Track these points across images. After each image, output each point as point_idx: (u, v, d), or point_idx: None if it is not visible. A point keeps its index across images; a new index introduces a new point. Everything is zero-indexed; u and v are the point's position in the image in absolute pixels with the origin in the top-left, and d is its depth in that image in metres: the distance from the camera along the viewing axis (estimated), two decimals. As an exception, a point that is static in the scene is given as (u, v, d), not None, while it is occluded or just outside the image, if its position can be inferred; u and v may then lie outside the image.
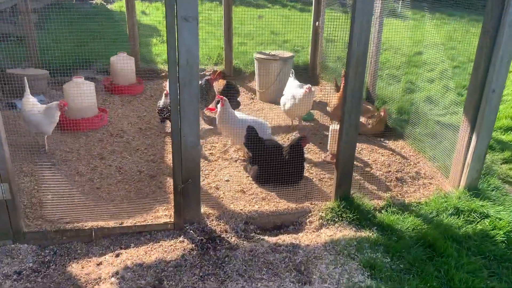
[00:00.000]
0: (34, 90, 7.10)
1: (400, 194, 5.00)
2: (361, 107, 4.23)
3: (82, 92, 5.83)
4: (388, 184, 5.16)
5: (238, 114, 5.49)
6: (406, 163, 5.62)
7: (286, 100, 6.38)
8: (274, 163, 4.83)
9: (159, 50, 9.60)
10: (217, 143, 5.92)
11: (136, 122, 6.46)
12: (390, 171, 5.40)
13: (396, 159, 5.71)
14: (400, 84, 8.34)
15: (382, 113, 6.31)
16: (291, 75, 6.77)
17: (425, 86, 8.48)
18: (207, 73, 8.75)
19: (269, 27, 11.54)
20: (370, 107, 6.89)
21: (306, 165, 5.39)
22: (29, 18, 7.66)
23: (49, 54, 7.68)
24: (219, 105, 5.37)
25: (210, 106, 7.06)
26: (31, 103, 5.30)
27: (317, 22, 8.50)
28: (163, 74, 8.56)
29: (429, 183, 5.27)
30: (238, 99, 7.12)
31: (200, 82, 6.71)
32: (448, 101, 7.91)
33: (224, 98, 5.35)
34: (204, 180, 4.99)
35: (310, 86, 5.97)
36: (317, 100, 7.81)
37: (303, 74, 8.83)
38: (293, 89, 6.32)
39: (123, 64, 7.31)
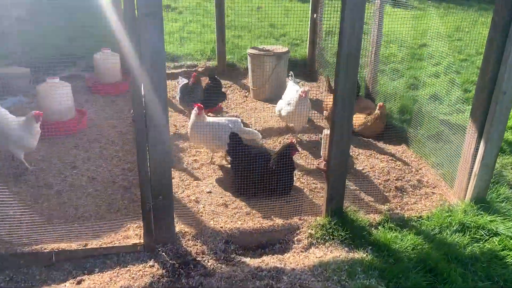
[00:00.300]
0: (13, 90, 6.72)
1: (399, 206, 4.53)
2: (353, 112, 3.76)
3: (57, 93, 5.39)
4: (386, 194, 4.69)
5: (209, 118, 5.05)
6: (407, 170, 5.14)
7: (282, 105, 5.84)
8: (260, 173, 4.38)
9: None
10: (202, 148, 5.47)
11: (117, 124, 6.03)
12: (389, 179, 4.93)
13: (396, 165, 5.23)
14: (403, 80, 7.83)
15: (378, 111, 5.79)
16: (290, 78, 6.19)
17: (430, 82, 7.98)
18: (199, 69, 8.31)
19: (267, 19, 11.01)
20: (370, 104, 6.40)
21: (297, 173, 4.93)
22: (9, 10, 7.24)
23: (33, 50, 7.26)
24: (193, 113, 4.88)
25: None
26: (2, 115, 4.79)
27: (315, 14, 7.97)
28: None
29: (432, 192, 4.80)
30: (222, 90, 6.73)
31: (187, 81, 6.32)
32: (454, 98, 7.40)
33: (201, 106, 4.87)
34: (183, 191, 4.56)
35: (306, 90, 5.45)
36: (314, 98, 7.32)
37: (301, 70, 8.33)
38: (291, 94, 5.78)
39: (107, 62, 6.86)
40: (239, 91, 7.69)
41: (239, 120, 5.15)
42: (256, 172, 4.37)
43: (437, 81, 7.41)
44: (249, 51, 7.31)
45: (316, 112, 6.68)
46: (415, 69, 8.42)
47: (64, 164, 4.91)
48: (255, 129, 5.69)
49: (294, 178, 4.71)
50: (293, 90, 5.87)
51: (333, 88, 6.46)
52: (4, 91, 6.53)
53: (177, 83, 6.65)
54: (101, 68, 7.07)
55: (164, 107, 3.37)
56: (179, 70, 8.18)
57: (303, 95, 5.38)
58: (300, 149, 5.33)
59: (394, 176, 4.98)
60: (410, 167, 5.22)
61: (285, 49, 7.31)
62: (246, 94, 7.57)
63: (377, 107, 5.79)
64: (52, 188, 4.47)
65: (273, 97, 7.28)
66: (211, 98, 6.19)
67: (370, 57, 6.73)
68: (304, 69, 8.41)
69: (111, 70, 6.99)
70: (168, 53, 8.69)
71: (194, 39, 9.80)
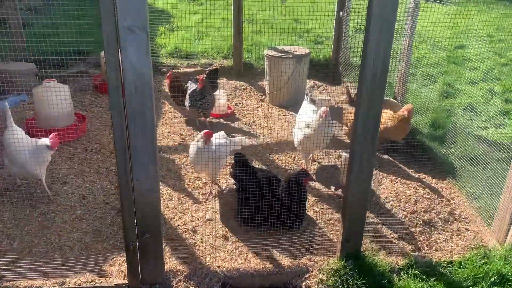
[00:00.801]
0: (17, 88, 6.35)
1: (427, 245, 3.94)
2: (375, 148, 3.16)
3: (54, 98, 4.96)
4: (412, 229, 4.10)
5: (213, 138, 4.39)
6: (437, 199, 4.52)
7: (297, 130, 4.81)
8: (268, 201, 3.84)
9: (164, 40, 8.64)
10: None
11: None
12: (416, 210, 4.32)
13: (425, 193, 4.61)
14: (436, 86, 7.10)
15: (405, 113, 5.03)
16: (306, 97, 5.22)
17: (465, 90, 7.23)
18: (215, 66, 7.78)
19: (292, 13, 10.35)
20: (396, 103, 5.75)
21: (310, 199, 4.38)
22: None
23: (40, 45, 6.86)
24: (200, 138, 4.23)
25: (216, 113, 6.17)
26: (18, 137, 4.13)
27: (341, 13, 7.31)
28: (165, 69, 7.62)
29: (465, 228, 4.17)
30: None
31: (193, 87, 5.79)
32: (493, 110, 6.65)
33: (211, 133, 4.24)
34: (180, 217, 4.07)
35: (327, 109, 4.52)
36: (335, 105, 6.71)
37: (324, 72, 7.70)
38: (308, 115, 4.82)
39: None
40: (254, 94, 7.13)
41: (223, 133, 4.58)
42: (263, 199, 3.83)
43: (473, 88, 6.67)
44: (267, 52, 6.73)
45: (336, 122, 6.06)
46: (449, 74, 7.66)
47: (54, 178, 4.49)
48: (262, 139, 5.24)
49: (307, 207, 4.15)
50: (308, 110, 4.92)
51: (353, 99, 5.91)
52: (8, 88, 6.16)
53: (187, 88, 6.14)
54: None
55: (151, 135, 2.86)
56: (192, 69, 7.68)
57: (324, 116, 4.49)
58: (314, 175, 4.76)
59: (422, 207, 4.36)
60: (441, 195, 4.59)
61: (305, 51, 6.69)
62: (262, 98, 7.01)
63: (404, 111, 5.07)
64: (37, 208, 4.05)
65: (291, 103, 6.71)
66: (203, 102, 5.68)
67: (400, 61, 6.05)
68: (328, 72, 7.76)
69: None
70: (183, 50, 8.19)
71: (212, 34, 9.27)
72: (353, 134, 3.14)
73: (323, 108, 4.51)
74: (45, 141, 4.06)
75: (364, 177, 3.25)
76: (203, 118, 5.91)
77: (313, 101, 5.25)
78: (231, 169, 4.12)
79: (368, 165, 3.21)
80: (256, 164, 5.01)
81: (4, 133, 4.18)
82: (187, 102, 5.78)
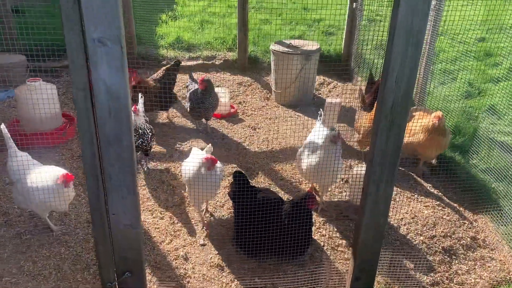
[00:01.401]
0: (7, 81, 5.92)
1: (447, 277, 3.50)
2: (396, 172, 2.70)
3: (38, 99, 4.52)
4: (430, 258, 3.65)
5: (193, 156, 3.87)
6: (458, 221, 4.05)
7: (302, 153, 4.10)
8: (268, 227, 3.40)
9: (166, 30, 8.13)
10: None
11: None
12: (435, 235, 3.86)
13: (445, 213, 4.14)
14: (456, 85, 6.54)
15: (435, 121, 4.31)
16: (319, 118, 4.48)
17: (487, 89, 6.68)
18: (216, 62, 7.29)
19: (301, 0, 9.75)
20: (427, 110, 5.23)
21: (317, 220, 3.94)
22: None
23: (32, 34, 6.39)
24: (201, 163, 3.61)
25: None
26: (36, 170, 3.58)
27: (354, 4, 6.74)
28: (164, 61, 7.14)
29: (490, 257, 3.72)
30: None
31: (194, 87, 5.30)
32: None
33: (215, 159, 3.64)
34: (171, 241, 3.65)
35: (338, 133, 3.86)
36: (346, 105, 6.21)
37: (335, 68, 7.18)
38: (319, 138, 4.07)
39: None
40: (260, 91, 6.64)
41: (197, 149, 4.09)
42: (263, 225, 3.40)
43: (496, 88, 6.13)
44: (273, 47, 6.22)
45: (346, 125, 5.59)
46: (469, 71, 7.07)
47: (35, 191, 4.08)
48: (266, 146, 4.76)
49: (313, 230, 3.71)
50: (320, 133, 4.12)
51: (366, 102, 5.41)
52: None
53: (187, 87, 5.66)
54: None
55: (130, 163, 2.42)
56: (194, 63, 7.20)
57: (334, 141, 3.83)
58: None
59: (442, 231, 3.90)
60: (463, 216, 4.12)
61: (315, 46, 6.17)
62: (268, 96, 6.53)
63: (433, 119, 4.32)
64: (12, 228, 3.66)
65: (299, 102, 6.23)
66: (206, 104, 5.18)
67: (422, 58, 5.50)
68: (338, 67, 7.23)
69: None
70: (184, 41, 7.69)
71: (217, 22, 8.74)
72: (368, 162, 2.67)
73: (335, 132, 3.85)
74: (57, 175, 3.48)
75: (380, 211, 2.80)
76: (204, 121, 5.45)
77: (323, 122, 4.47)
78: (230, 189, 3.67)
79: (385, 197, 2.75)
80: (259, 176, 4.57)
81: (7, 161, 3.64)
82: (187, 104, 5.31)
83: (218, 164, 3.68)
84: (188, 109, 5.28)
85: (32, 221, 3.74)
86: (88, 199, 2.48)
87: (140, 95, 4.87)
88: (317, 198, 4.16)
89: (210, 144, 4.11)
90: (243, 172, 3.62)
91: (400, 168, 4.75)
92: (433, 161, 4.87)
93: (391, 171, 2.64)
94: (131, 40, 6.85)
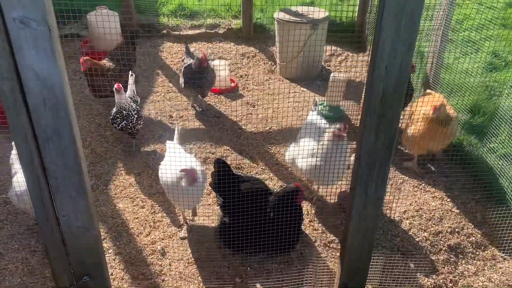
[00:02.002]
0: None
1: (451, 280, 3.15)
2: (387, 172, 2.32)
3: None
4: (434, 258, 3.29)
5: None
6: (469, 216, 3.65)
7: (294, 152, 3.62)
8: (253, 220, 3.09)
9: (168, -5, 7.66)
10: (201, 152, 4.23)
11: (99, 113, 4.85)
12: (441, 231, 3.49)
13: (454, 205, 3.74)
14: (479, 56, 5.93)
15: (431, 111, 3.75)
16: (313, 107, 3.95)
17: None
18: (220, 31, 6.84)
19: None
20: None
21: (310, 211, 3.61)
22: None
23: None
24: (183, 180, 3.17)
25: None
26: None
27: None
28: (164, 31, 6.74)
29: (502, 257, 3.34)
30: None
31: (190, 61, 4.91)
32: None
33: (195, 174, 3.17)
34: (149, 233, 3.39)
35: (343, 127, 3.36)
36: (354, 80, 5.73)
37: (347, 37, 6.64)
38: (313, 133, 3.55)
39: (103, 24, 5.55)
40: (264, 63, 6.20)
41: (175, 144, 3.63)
42: (248, 217, 3.09)
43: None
44: (277, 15, 5.73)
45: (354, 103, 5.15)
46: (496, 40, 6.40)
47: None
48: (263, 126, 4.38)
49: (304, 222, 3.39)
50: (316, 125, 3.64)
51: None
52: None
53: (183, 61, 5.27)
54: (96, 32, 5.80)
55: (75, 165, 2.11)
56: (196, 31, 6.77)
57: (337, 136, 3.34)
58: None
59: (449, 226, 3.52)
60: (474, 210, 3.71)
61: (323, 14, 5.65)
62: (273, 68, 6.09)
63: (434, 107, 3.76)
64: (-16, 216, 3.46)
65: (304, 76, 5.78)
66: (202, 80, 4.72)
67: (437, 25, 4.96)
68: (352, 37, 6.69)
69: (107, 35, 5.69)
70: (187, 8, 7.23)
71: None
72: (356, 160, 2.29)
73: (339, 125, 3.36)
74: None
75: (369, 214, 2.44)
76: (200, 97, 5.09)
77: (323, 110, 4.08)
78: (211, 179, 3.34)
79: (375, 199, 2.39)
80: (252, 159, 4.23)
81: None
82: (181, 80, 4.95)
83: (198, 168, 3.29)
84: (182, 85, 4.92)
85: (5, 209, 3.52)
86: (31, 201, 2.20)
87: (130, 73, 4.54)
88: (310, 188, 3.82)
89: (179, 127, 3.73)
90: (225, 160, 3.27)
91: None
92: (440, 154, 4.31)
93: (382, 170, 2.27)
94: (129, 9, 6.44)
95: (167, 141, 3.65)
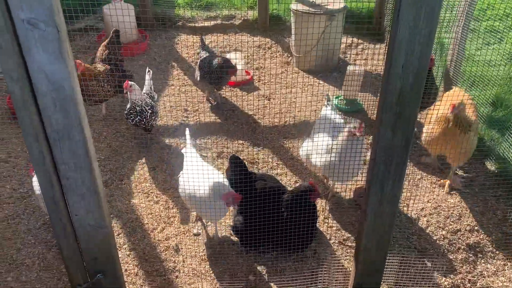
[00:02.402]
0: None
1: (469, 280, 3.08)
2: (404, 172, 2.25)
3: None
4: (452, 257, 3.22)
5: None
6: (489, 214, 3.55)
7: (308, 148, 3.56)
8: (267, 219, 3.06)
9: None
10: (216, 145, 4.21)
11: (115, 107, 4.86)
12: (459, 229, 3.40)
13: (474, 202, 3.64)
14: (502, 47, 5.73)
15: (449, 112, 3.42)
16: (326, 103, 3.83)
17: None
18: (235, 22, 6.76)
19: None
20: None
21: (325, 208, 3.57)
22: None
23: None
24: (225, 203, 3.05)
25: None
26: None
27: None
28: (180, 23, 6.70)
29: (524, 256, 3.24)
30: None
31: (205, 55, 4.83)
32: None
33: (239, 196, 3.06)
34: (163, 229, 3.39)
35: (359, 125, 3.21)
36: (372, 72, 5.62)
37: (365, 27, 6.51)
38: (327, 129, 3.49)
39: (118, 17, 5.52)
40: (280, 55, 6.12)
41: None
42: (262, 216, 3.06)
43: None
44: (293, 6, 5.63)
45: (371, 95, 5.05)
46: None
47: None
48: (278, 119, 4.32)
49: (319, 220, 3.34)
50: (330, 121, 3.58)
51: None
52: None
53: (198, 54, 5.23)
54: (111, 25, 5.79)
55: (87, 164, 2.11)
56: (212, 23, 6.71)
57: (351, 134, 3.23)
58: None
59: (468, 224, 3.43)
60: (495, 207, 3.61)
61: (340, 5, 5.53)
62: (289, 60, 6.00)
63: (450, 109, 3.41)
64: (1, 210, 3.51)
65: (321, 68, 5.69)
66: (219, 75, 4.63)
67: (459, 15, 4.80)
68: (370, 28, 6.55)
69: (123, 27, 5.68)
70: (202, 0, 7.17)
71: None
72: (371, 158, 2.23)
73: (354, 124, 3.24)
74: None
75: (385, 213, 2.38)
76: (215, 91, 5.03)
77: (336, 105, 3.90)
78: (225, 176, 3.31)
79: (391, 198, 2.33)
80: (267, 154, 4.19)
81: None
82: (197, 73, 4.91)
83: (226, 182, 3.16)
84: (198, 78, 4.89)
85: (22, 203, 3.57)
86: (44, 201, 2.21)
87: (147, 69, 4.52)
88: (325, 184, 3.77)
89: (189, 130, 3.57)
90: (240, 158, 3.24)
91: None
92: (459, 184, 3.83)
93: (399, 168, 2.21)
94: (144, 1, 6.41)
95: (183, 149, 3.47)
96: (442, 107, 3.54)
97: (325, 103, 3.83)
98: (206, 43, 5.21)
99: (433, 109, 3.75)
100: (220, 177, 3.14)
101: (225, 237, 3.35)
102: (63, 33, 1.78)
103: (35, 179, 3.10)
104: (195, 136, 3.67)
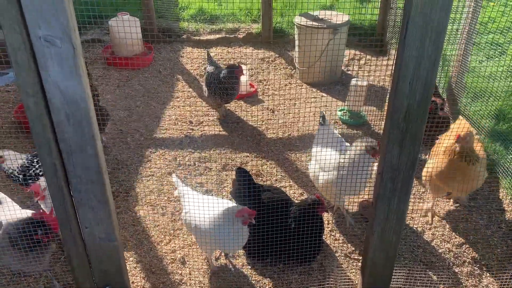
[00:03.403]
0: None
1: (475, 294, 3.08)
2: (409, 193, 2.28)
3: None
4: (458, 270, 3.23)
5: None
6: (495, 227, 3.57)
7: (316, 171, 3.51)
8: (274, 231, 3.08)
9: (187, 0, 7.70)
10: (221, 157, 4.24)
11: (120, 119, 4.91)
12: (464, 242, 3.41)
13: (479, 215, 3.66)
14: (506, 60, 5.77)
15: (455, 143, 3.20)
16: (320, 120, 3.72)
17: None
18: (239, 35, 6.84)
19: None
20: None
21: (330, 222, 3.58)
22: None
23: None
24: (238, 220, 2.91)
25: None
26: None
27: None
28: (184, 36, 6.78)
29: (530, 270, 3.25)
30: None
31: (212, 69, 4.84)
32: None
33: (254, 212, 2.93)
34: (169, 241, 3.41)
35: (373, 147, 3.20)
36: (377, 83, 5.67)
37: (367, 40, 6.57)
38: (329, 150, 3.43)
39: (124, 30, 5.59)
40: (284, 67, 6.18)
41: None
42: (269, 228, 3.08)
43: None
44: (297, 20, 5.70)
45: (375, 108, 5.09)
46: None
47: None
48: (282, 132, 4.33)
49: (322, 238, 3.34)
50: (329, 140, 3.53)
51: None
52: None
53: (204, 69, 5.24)
54: (117, 37, 5.87)
55: (99, 178, 2.14)
56: (216, 36, 6.78)
57: (375, 153, 3.17)
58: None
59: (474, 238, 3.45)
60: (500, 221, 3.62)
61: (343, 18, 5.59)
62: (292, 73, 6.06)
63: (456, 139, 3.18)
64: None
65: (324, 81, 5.75)
66: (231, 91, 4.64)
67: (462, 28, 4.84)
68: (373, 41, 6.62)
69: (129, 40, 5.74)
70: (207, 13, 7.26)
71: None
72: (378, 175, 2.26)
73: (369, 144, 3.20)
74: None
75: (392, 228, 2.40)
76: (224, 105, 5.02)
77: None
78: (232, 187, 3.34)
79: (397, 213, 2.35)
80: (271, 166, 4.22)
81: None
82: (205, 89, 4.85)
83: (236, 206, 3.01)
84: (206, 93, 4.86)
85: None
86: (55, 213, 2.24)
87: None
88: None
89: (174, 175, 3.40)
90: (246, 170, 3.27)
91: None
92: (465, 200, 3.76)
93: (405, 185, 2.23)
94: (149, 14, 6.49)
95: (176, 192, 3.33)
96: (446, 140, 3.38)
97: (320, 120, 3.74)
98: (212, 55, 5.25)
99: (437, 143, 3.60)
100: (226, 202, 3.12)
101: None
102: (78, 50, 1.83)
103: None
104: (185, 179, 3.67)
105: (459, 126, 3.41)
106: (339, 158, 3.32)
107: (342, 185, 3.17)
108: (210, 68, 4.93)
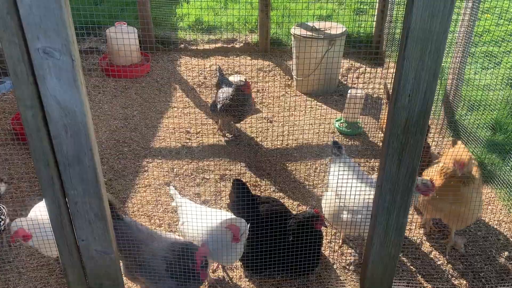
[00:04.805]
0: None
1: (474, 306, 3.06)
2: (408, 206, 2.27)
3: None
4: (456, 282, 3.21)
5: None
6: (493, 238, 3.56)
7: (336, 208, 3.23)
8: (272, 243, 3.06)
9: (185, 11, 7.73)
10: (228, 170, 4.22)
11: (117, 129, 4.89)
12: (463, 254, 3.40)
13: (477, 227, 3.65)
14: (501, 71, 5.82)
15: (456, 167, 3.08)
16: (335, 151, 3.43)
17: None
18: (236, 45, 6.86)
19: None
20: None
21: (328, 233, 3.56)
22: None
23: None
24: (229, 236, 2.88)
25: None
26: None
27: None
28: (181, 45, 6.79)
29: (529, 281, 3.24)
30: None
31: (225, 87, 4.64)
32: None
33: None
34: (167, 253, 3.38)
35: (431, 184, 3.08)
36: (373, 94, 5.69)
37: (364, 51, 6.61)
38: (357, 184, 3.08)
39: (121, 40, 5.60)
40: (281, 77, 6.19)
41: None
42: (267, 240, 3.05)
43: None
44: (294, 31, 5.72)
45: (371, 118, 5.10)
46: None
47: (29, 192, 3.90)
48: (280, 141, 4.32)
49: (321, 251, 3.31)
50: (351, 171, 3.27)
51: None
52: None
53: (217, 85, 4.94)
54: (115, 47, 5.87)
55: (96, 191, 2.12)
56: (213, 46, 6.80)
57: (425, 193, 3.10)
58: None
59: (472, 249, 3.44)
60: (498, 232, 3.62)
61: (340, 29, 5.62)
62: (289, 83, 6.07)
63: (456, 163, 3.08)
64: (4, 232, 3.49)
65: (321, 91, 5.76)
66: (244, 108, 4.45)
67: (458, 39, 4.88)
68: (369, 51, 6.66)
69: (126, 50, 5.75)
70: (204, 23, 7.28)
71: (242, 1, 8.24)
72: (377, 188, 2.25)
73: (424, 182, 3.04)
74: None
75: (391, 241, 2.39)
76: (232, 123, 4.88)
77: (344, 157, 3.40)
78: (229, 199, 3.32)
79: (397, 226, 2.34)
80: (269, 177, 4.21)
81: None
82: (219, 106, 4.53)
83: (243, 225, 2.93)
84: (219, 108, 4.52)
85: (24, 225, 3.54)
86: (51, 225, 2.21)
87: None
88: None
89: (171, 186, 3.39)
90: (243, 181, 3.26)
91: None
92: (462, 246, 3.47)
93: (405, 197, 2.23)
94: (147, 22, 6.50)
95: (173, 202, 3.32)
96: (443, 163, 3.27)
97: (335, 151, 3.41)
98: (215, 68, 5.20)
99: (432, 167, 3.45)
100: (225, 213, 3.08)
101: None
102: (77, 62, 1.82)
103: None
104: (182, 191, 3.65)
105: (459, 151, 3.22)
106: (370, 193, 2.95)
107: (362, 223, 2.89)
108: (224, 86, 4.67)
